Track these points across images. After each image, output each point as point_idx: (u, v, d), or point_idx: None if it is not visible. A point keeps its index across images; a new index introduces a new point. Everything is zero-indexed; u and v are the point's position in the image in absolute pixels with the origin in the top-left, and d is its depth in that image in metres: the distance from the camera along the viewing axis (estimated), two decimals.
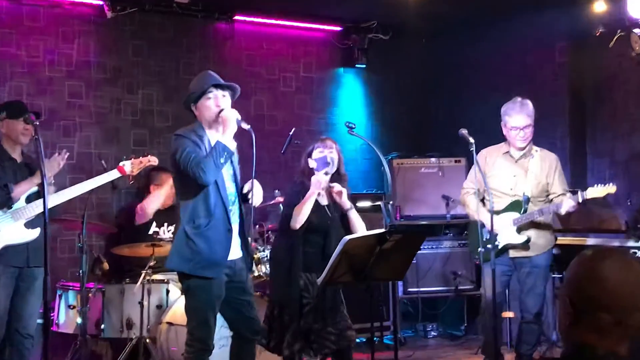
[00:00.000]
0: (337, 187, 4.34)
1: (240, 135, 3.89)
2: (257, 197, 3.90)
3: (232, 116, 3.82)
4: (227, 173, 3.91)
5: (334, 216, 4.37)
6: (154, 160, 4.63)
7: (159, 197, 5.82)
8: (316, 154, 4.39)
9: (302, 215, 4.22)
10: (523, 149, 4.89)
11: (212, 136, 3.88)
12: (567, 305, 1.88)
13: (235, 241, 3.93)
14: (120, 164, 4.51)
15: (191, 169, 3.71)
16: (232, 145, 3.82)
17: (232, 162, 3.95)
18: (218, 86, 3.89)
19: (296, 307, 4.21)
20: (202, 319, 3.82)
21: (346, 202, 4.36)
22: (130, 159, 4.54)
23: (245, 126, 3.83)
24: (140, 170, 4.60)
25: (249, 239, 4.02)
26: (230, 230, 3.84)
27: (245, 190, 3.93)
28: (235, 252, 3.94)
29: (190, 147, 3.76)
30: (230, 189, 3.91)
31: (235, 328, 4.05)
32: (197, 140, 3.81)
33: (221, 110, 3.83)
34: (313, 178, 4.28)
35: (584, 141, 6.72)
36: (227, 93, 3.92)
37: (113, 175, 4.46)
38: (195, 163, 3.71)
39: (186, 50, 6.75)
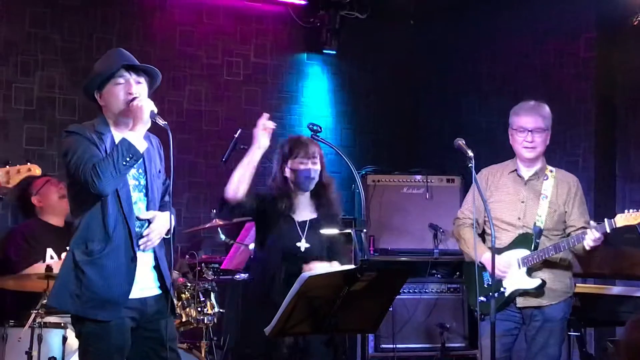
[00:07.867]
0: None
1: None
2: (157, 231, 3.90)
3: (146, 107, 3.82)
4: (135, 185, 3.90)
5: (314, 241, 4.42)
6: (34, 170, 4.54)
7: None
8: (295, 164, 4.41)
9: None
10: (532, 162, 4.94)
11: (119, 135, 3.86)
12: None
13: (148, 275, 3.92)
14: None
15: (83, 173, 3.69)
16: (141, 145, 3.81)
17: (145, 171, 3.93)
18: (131, 68, 3.88)
19: None
20: None
21: None
22: (6, 166, 4.43)
23: (161, 122, 3.85)
24: (18, 183, 4.49)
25: (171, 272, 4.00)
26: (134, 259, 3.82)
27: (144, 218, 3.91)
28: (148, 288, 3.92)
29: (84, 146, 3.76)
30: (139, 205, 3.89)
31: None
32: (95, 139, 3.80)
33: (133, 99, 3.82)
34: None
35: (614, 160, 6.80)
36: (142, 79, 3.92)
37: None
38: (89, 166, 3.68)
39: (101, 21, 6.70)
